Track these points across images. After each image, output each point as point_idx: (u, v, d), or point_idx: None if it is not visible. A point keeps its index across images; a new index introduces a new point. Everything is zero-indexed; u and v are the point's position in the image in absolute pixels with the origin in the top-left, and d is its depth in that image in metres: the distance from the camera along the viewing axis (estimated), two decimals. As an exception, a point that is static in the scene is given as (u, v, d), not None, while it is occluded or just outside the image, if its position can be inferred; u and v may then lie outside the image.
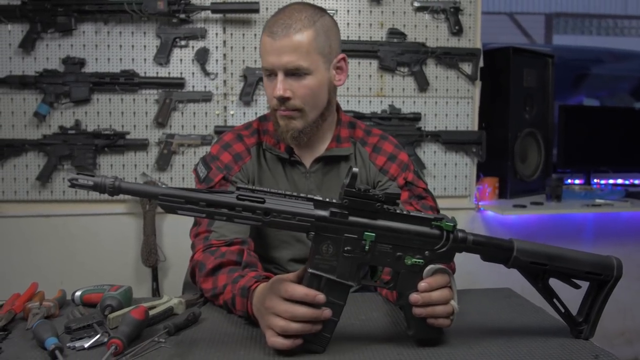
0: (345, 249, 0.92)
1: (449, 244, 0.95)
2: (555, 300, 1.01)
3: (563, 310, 1.01)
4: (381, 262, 0.94)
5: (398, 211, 0.93)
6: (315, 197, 0.92)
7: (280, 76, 1.22)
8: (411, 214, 0.95)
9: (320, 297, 0.90)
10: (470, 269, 1.71)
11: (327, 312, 0.91)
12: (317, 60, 1.23)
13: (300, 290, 0.90)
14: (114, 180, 0.84)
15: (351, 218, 0.91)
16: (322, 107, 1.29)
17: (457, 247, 0.96)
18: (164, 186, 0.95)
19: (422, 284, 0.93)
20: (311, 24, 1.22)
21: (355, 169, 0.90)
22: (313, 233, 0.91)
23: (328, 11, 1.31)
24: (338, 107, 1.40)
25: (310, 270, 0.92)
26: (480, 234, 0.99)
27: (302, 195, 0.92)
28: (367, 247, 0.92)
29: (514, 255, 0.97)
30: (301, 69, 1.21)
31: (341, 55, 1.30)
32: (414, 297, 0.93)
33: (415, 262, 0.94)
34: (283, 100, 1.23)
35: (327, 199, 0.92)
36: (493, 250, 0.98)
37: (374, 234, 0.92)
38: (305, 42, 1.20)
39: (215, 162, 1.32)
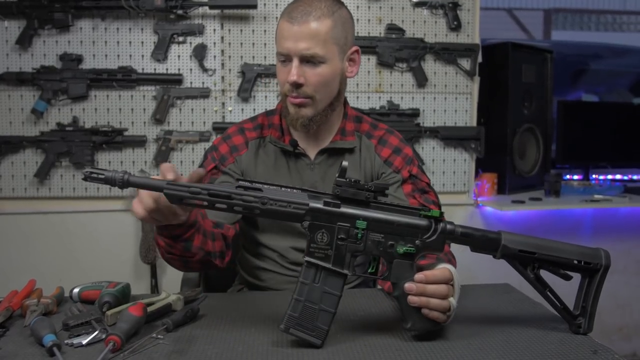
0: (339, 237, 0.95)
1: (437, 234, 0.97)
2: (549, 292, 1.02)
3: (559, 304, 1.02)
4: (374, 251, 0.97)
5: (388, 202, 0.98)
6: (309, 189, 0.97)
7: (296, 62, 1.23)
8: (399, 204, 0.99)
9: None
10: (469, 264, 1.71)
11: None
12: (333, 50, 1.25)
13: None
14: (123, 174, 0.90)
15: (343, 208, 0.95)
16: (333, 96, 1.31)
17: (446, 237, 0.98)
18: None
19: (418, 275, 0.95)
20: (330, 14, 1.23)
21: (344, 163, 0.95)
22: (308, 222, 0.94)
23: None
24: (345, 101, 1.42)
25: (306, 259, 0.95)
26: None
27: (296, 187, 0.97)
28: (359, 235, 0.95)
29: (502, 244, 0.98)
30: (316, 57, 1.23)
31: (355, 48, 1.32)
32: (408, 285, 0.95)
33: (407, 250, 0.96)
34: (296, 86, 1.24)
35: (321, 191, 0.97)
36: (481, 240, 0.99)
37: (365, 222, 0.95)
38: (323, 31, 1.22)
39: (212, 153, 1.37)
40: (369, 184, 0.96)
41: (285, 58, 1.25)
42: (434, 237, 0.97)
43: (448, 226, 0.98)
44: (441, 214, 0.98)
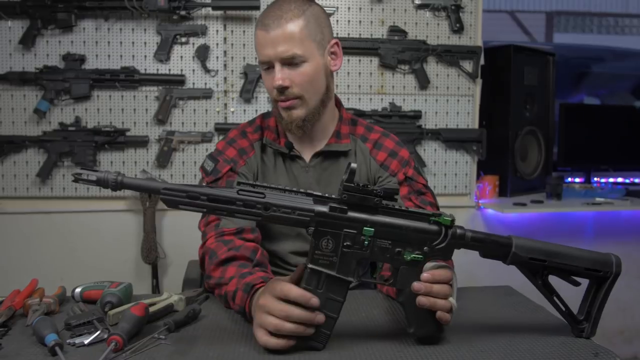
0: (345, 244, 0.92)
1: (447, 240, 0.95)
2: (555, 297, 1.00)
3: (564, 309, 1.01)
4: (380, 258, 0.94)
5: (397, 207, 0.94)
6: (315, 193, 0.92)
7: (278, 66, 1.24)
8: (410, 209, 0.95)
9: (315, 300, 0.91)
10: (470, 266, 1.71)
11: (320, 317, 0.91)
12: (311, 47, 1.25)
13: (296, 291, 0.90)
14: (116, 175, 0.86)
15: (350, 213, 0.92)
16: (322, 93, 1.31)
17: (456, 243, 0.96)
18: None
19: (425, 275, 0.94)
20: (301, 13, 1.24)
21: (353, 165, 0.91)
22: (313, 228, 0.91)
23: (329, 8, 1.32)
24: (340, 104, 1.41)
25: (309, 266, 0.92)
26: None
27: (301, 190, 0.93)
28: (366, 243, 0.92)
29: (512, 251, 0.97)
30: (297, 57, 1.23)
31: (334, 40, 1.32)
32: (416, 285, 0.93)
33: (415, 257, 0.94)
34: (282, 89, 1.25)
35: (327, 195, 0.92)
36: (492, 246, 0.97)
37: (372, 229, 0.92)
38: (298, 31, 1.23)
39: (222, 156, 1.35)
40: (377, 189, 0.92)
41: (268, 65, 1.26)
42: (444, 243, 0.95)
43: (458, 231, 0.95)
44: (452, 220, 0.95)
